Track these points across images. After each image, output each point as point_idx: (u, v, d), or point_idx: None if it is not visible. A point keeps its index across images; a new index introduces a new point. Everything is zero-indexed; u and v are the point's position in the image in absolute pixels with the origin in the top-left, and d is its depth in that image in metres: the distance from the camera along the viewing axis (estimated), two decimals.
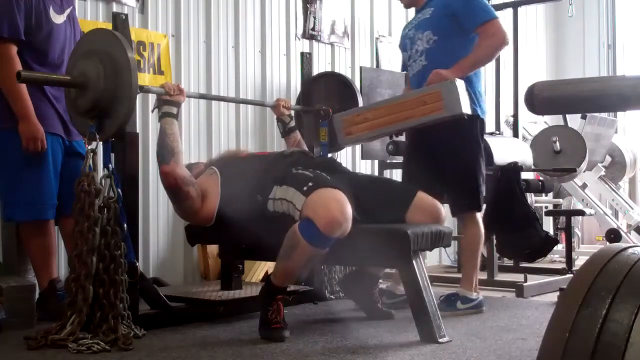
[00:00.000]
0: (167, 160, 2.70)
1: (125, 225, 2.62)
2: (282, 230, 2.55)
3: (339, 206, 2.44)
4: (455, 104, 2.86)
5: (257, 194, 2.70)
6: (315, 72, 4.29)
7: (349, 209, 2.45)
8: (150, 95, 3.40)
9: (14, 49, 2.88)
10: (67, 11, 3.09)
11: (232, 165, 2.92)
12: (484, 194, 3.26)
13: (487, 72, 6.11)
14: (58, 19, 3.02)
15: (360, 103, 3.67)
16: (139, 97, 2.88)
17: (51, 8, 2.98)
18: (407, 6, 3.56)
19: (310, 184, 2.55)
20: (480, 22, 3.13)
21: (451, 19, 3.18)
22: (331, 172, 2.79)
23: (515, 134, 5.21)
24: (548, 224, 5.90)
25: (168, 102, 2.80)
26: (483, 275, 4.46)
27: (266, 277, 2.70)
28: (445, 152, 3.20)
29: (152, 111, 2.95)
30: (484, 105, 3.30)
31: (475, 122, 3.20)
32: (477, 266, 3.25)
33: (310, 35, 4.76)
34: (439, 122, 2.97)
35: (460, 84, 2.93)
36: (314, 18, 4.78)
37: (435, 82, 2.98)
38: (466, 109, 2.92)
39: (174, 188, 2.72)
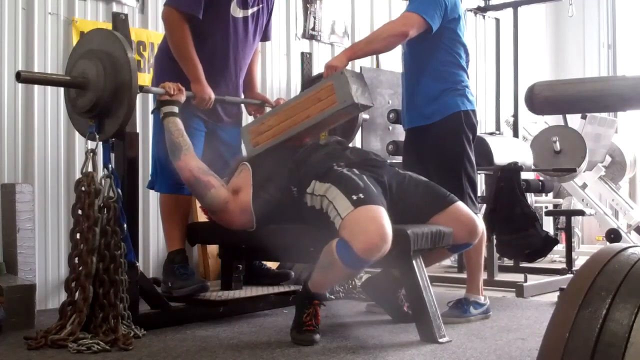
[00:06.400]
0: (178, 156, 2.74)
1: (125, 225, 2.63)
2: (315, 225, 2.55)
3: (378, 230, 2.35)
4: (347, 95, 2.69)
5: (292, 185, 2.65)
6: (315, 72, 4.29)
7: (388, 231, 2.36)
8: (150, 95, 3.40)
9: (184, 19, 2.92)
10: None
11: (264, 157, 2.86)
12: (473, 193, 3.07)
13: (487, 72, 6.15)
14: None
15: None
16: (139, 97, 2.88)
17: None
18: None
19: (361, 195, 2.44)
20: (405, 11, 2.97)
21: None
22: (369, 168, 2.68)
23: (515, 134, 5.23)
24: (548, 224, 5.91)
25: (168, 103, 2.82)
26: (483, 276, 4.46)
27: (303, 282, 2.68)
28: (430, 152, 3.09)
29: (152, 113, 2.96)
30: (467, 97, 3.09)
31: (458, 118, 3.05)
32: (482, 268, 3.14)
33: (310, 35, 4.75)
34: (339, 116, 2.84)
35: (351, 74, 2.78)
36: (314, 18, 4.77)
37: (328, 75, 2.81)
38: (361, 99, 2.74)
39: (192, 179, 2.71)
